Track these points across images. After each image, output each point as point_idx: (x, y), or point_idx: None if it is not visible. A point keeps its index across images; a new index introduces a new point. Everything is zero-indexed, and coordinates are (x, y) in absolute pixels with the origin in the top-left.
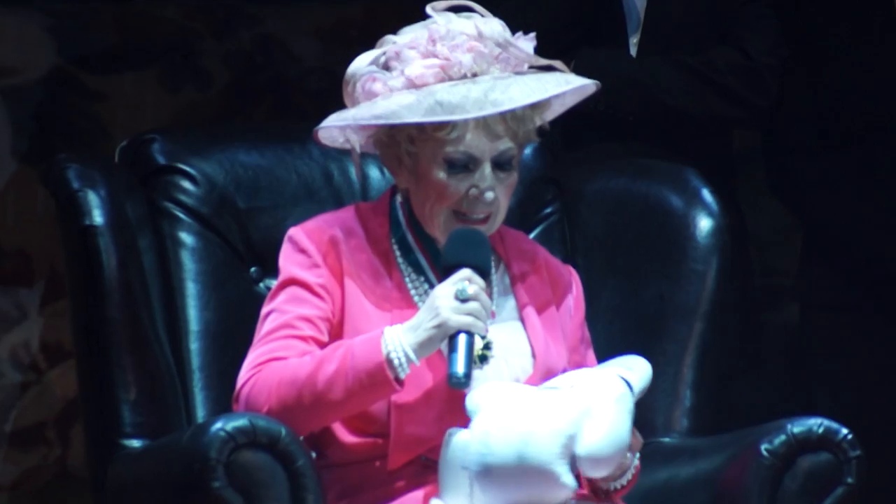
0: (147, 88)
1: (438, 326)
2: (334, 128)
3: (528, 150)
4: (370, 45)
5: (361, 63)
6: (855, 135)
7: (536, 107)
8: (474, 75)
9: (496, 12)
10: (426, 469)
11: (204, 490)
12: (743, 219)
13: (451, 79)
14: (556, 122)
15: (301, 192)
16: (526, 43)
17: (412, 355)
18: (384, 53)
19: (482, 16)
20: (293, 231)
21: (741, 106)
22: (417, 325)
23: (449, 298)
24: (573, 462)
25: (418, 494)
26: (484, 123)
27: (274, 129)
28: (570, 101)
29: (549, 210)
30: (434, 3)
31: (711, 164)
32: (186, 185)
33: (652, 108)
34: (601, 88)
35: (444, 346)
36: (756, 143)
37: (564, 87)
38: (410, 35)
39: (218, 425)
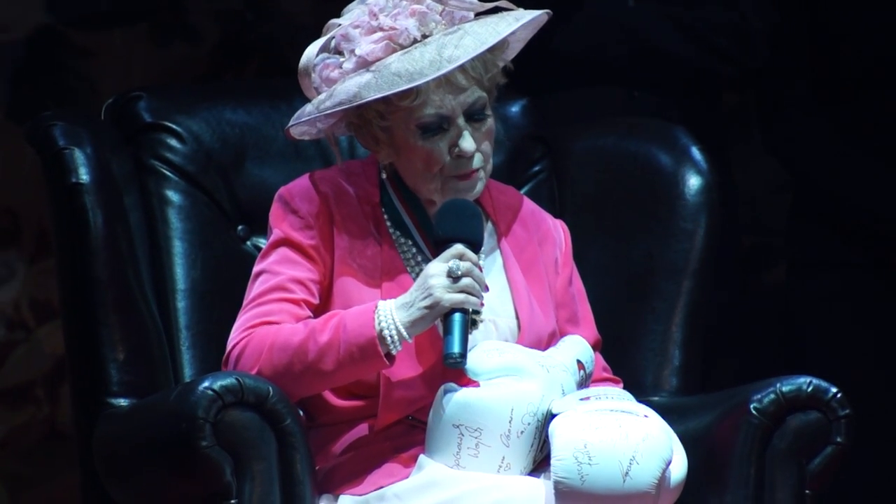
0: (136, 45)
1: (431, 307)
2: (309, 126)
3: (515, 108)
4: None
5: (312, 53)
6: (848, 91)
7: (495, 49)
8: (424, 37)
9: None
10: (413, 429)
11: (191, 449)
12: (732, 176)
13: (401, 47)
14: (543, 65)
15: (288, 150)
16: None
17: (405, 333)
18: (332, 38)
19: None
20: (284, 190)
21: (732, 65)
22: (410, 302)
23: (441, 277)
24: None
25: (404, 457)
26: (446, 81)
27: (261, 86)
28: (527, 36)
29: (537, 168)
30: None
31: (701, 121)
32: (173, 142)
33: (643, 55)
34: (596, 34)
35: (437, 321)
36: (750, 100)
37: (515, 25)
38: (353, 14)
39: (205, 384)
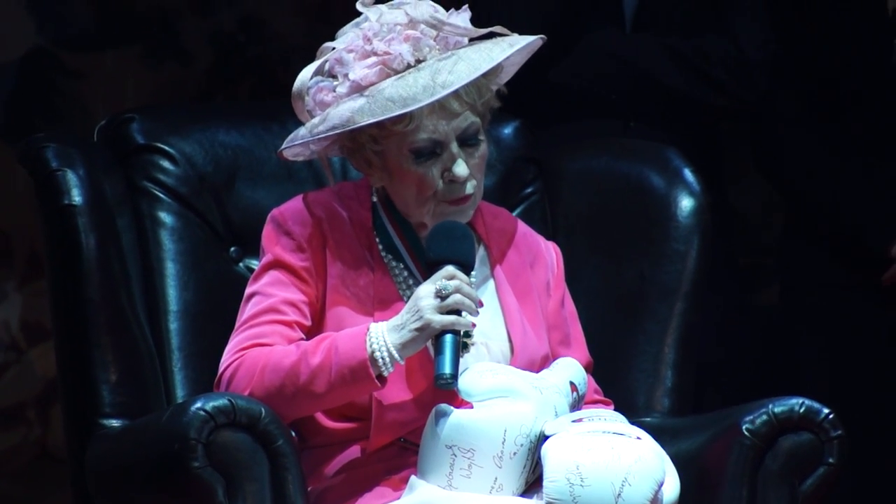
0: (128, 66)
1: (422, 328)
2: (302, 149)
3: (508, 130)
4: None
5: (306, 76)
6: (838, 112)
7: (489, 74)
8: (418, 62)
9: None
10: (405, 451)
11: (183, 470)
12: (730, 205)
13: (395, 72)
14: (540, 96)
15: (281, 172)
16: (460, 17)
17: (396, 355)
18: (326, 62)
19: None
20: (276, 212)
21: (729, 97)
22: (402, 324)
23: (430, 298)
24: None
25: (395, 480)
26: (440, 106)
27: (254, 108)
28: (521, 60)
29: (530, 189)
30: (362, 0)
31: (697, 152)
32: (165, 164)
33: (640, 86)
34: (591, 65)
35: (429, 342)
36: (745, 128)
37: (509, 51)
38: (347, 38)
39: (197, 405)
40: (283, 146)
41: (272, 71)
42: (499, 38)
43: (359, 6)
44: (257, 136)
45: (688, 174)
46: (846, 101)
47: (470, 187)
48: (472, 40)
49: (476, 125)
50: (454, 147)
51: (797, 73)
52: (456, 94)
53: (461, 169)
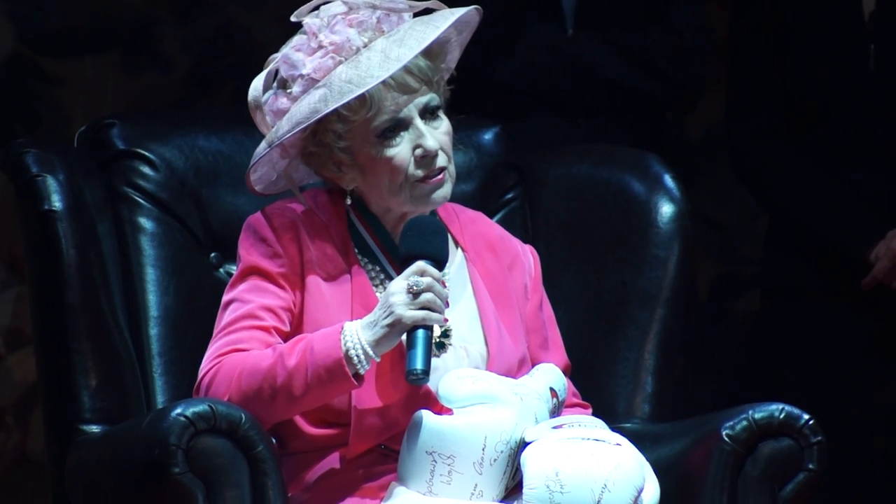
0: (108, 73)
1: (393, 324)
2: (268, 169)
3: (488, 136)
4: None
5: (258, 85)
6: (817, 120)
7: (436, 54)
8: (366, 45)
9: None
10: (385, 458)
11: (164, 476)
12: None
13: (346, 58)
14: (487, 97)
15: None
16: None
17: (371, 352)
18: (275, 70)
19: None
20: (253, 218)
21: (673, 87)
22: (374, 321)
23: (402, 294)
24: None
25: (375, 486)
26: (397, 84)
27: (234, 114)
28: (465, 41)
29: (510, 195)
30: (297, 12)
31: (646, 145)
32: (146, 170)
33: (585, 83)
34: (535, 63)
35: (404, 339)
36: (721, 130)
37: (451, 19)
38: (292, 42)
39: (178, 411)
40: (252, 162)
41: (252, 77)
42: (438, 12)
43: (294, 18)
44: (238, 141)
45: (668, 180)
46: (824, 107)
47: (442, 160)
48: (414, 17)
49: (436, 100)
50: (419, 122)
51: (778, 84)
52: (409, 70)
53: (430, 142)
